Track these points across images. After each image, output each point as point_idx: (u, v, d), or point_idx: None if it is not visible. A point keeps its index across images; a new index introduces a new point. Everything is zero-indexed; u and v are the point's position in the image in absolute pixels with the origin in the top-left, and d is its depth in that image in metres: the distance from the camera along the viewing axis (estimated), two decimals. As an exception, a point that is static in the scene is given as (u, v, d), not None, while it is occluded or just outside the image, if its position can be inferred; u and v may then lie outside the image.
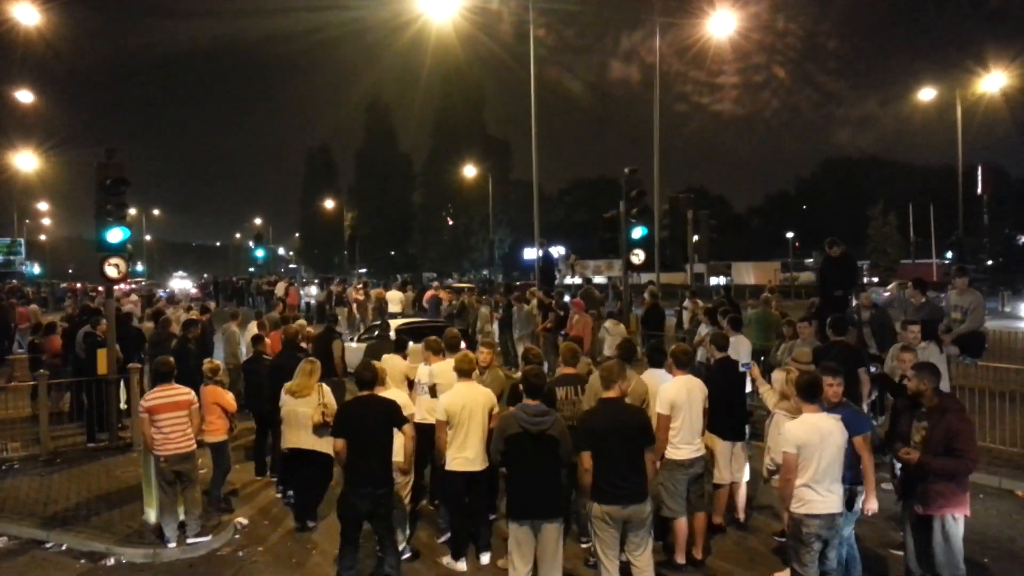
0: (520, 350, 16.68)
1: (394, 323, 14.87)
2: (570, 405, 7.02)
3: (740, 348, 9.31)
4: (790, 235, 67.11)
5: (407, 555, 7.14)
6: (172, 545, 7.47)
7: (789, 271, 53.34)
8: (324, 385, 7.94)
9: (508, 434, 5.87)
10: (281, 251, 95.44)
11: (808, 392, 5.67)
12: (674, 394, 6.62)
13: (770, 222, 78.59)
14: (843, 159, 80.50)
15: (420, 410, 7.74)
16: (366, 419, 6.33)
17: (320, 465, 7.83)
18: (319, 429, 7.59)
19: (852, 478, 5.80)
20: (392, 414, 6.45)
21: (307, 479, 8.04)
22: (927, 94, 35.25)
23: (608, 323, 14.99)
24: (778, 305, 14.52)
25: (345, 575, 6.31)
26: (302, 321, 11.07)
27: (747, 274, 54.47)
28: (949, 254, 46.39)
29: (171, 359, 7.88)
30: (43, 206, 71.34)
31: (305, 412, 7.73)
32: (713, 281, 48.87)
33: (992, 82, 32.84)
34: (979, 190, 33.29)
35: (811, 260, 51.18)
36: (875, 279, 50.98)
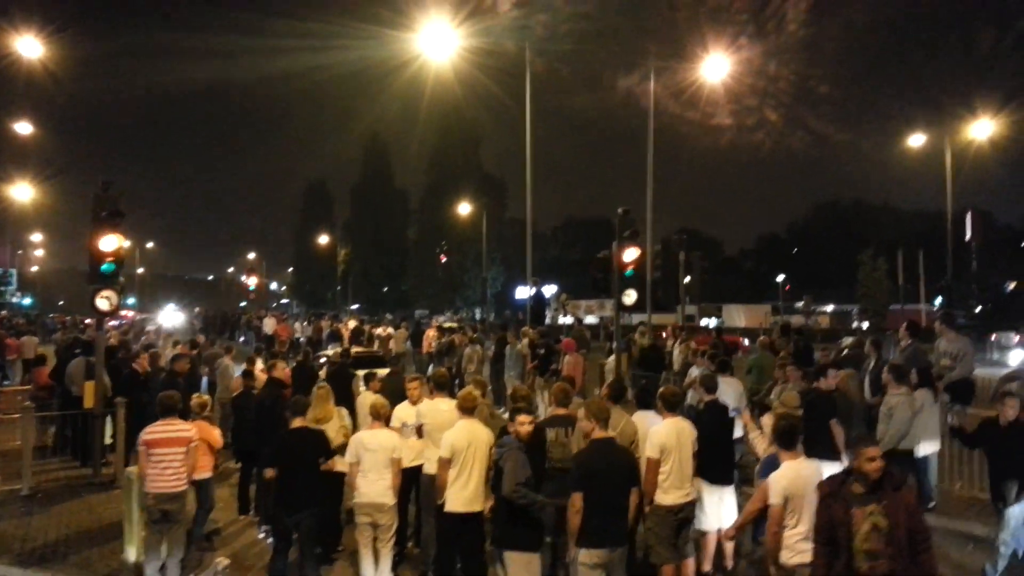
0: (510, 390, 16.61)
1: (331, 352, 15.45)
2: (560, 447, 6.96)
3: (729, 391, 9.29)
4: (781, 278, 67.48)
5: None
6: (152, 585, 7.33)
7: (779, 314, 53.48)
8: (342, 409, 8.40)
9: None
10: (274, 286, 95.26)
11: (785, 439, 5.64)
12: (664, 437, 6.59)
13: (761, 264, 79.08)
14: (834, 203, 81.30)
15: (404, 452, 7.59)
16: (298, 449, 7.15)
17: (336, 485, 8.04)
18: (341, 450, 7.78)
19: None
20: (320, 445, 7.29)
21: (325, 502, 7.99)
22: (917, 140, 35.78)
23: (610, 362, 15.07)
24: (777, 343, 14.40)
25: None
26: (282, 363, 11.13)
27: (738, 316, 54.62)
28: (938, 300, 46.62)
29: (175, 393, 7.85)
30: (36, 237, 71.26)
31: (331, 437, 7.85)
32: (704, 322, 48.94)
33: (980, 129, 33.35)
34: (968, 236, 33.60)
35: (800, 304, 51.33)
36: (865, 324, 51.13)
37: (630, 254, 13.93)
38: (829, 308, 59.77)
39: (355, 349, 18.88)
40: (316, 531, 7.28)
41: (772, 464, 5.84)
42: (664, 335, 17.51)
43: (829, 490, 4.88)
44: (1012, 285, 46.13)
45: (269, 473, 7.23)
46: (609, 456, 5.83)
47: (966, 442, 8.57)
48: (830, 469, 5.58)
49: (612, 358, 15.28)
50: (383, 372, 18.45)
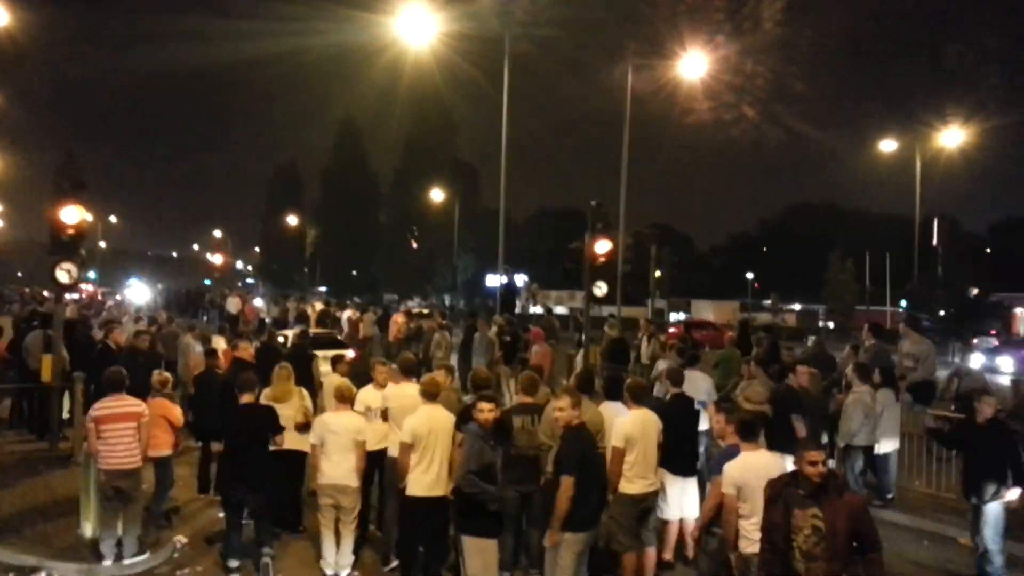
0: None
1: (291, 333, 15.45)
2: (526, 435, 6.96)
3: (698, 385, 9.36)
4: (750, 276, 68.23)
5: None
6: (108, 563, 7.21)
7: (748, 310, 54.09)
8: (303, 389, 8.31)
9: None
10: (240, 265, 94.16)
11: (745, 431, 5.72)
12: (630, 428, 6.62)
13: (732, 262, 79.82)
14: (805, 204, 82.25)
15: (369, 436, 7.49)
16: (247, 425, 7.22)
17: (299, 464, 8.05)
18: (301, 429, 7.83)
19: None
20: (270, 422, 7.30)
21: (287, 480, 8.06)
22: (888, 145, 36.31)
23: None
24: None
25: (228, 553, 7.17)
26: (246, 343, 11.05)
27: (706, 312, 55.02)
28: (903, 303, 47.47)
29: (122, 369, 7.70)
30: (-5, 207, 69.63)
31: (288, 415, 7.88)
32: (673, 317, 49.32)
33: (950, 138, 33.93)
34: (934, 242, 34.24)
35: (768, 301, 51.93)
36: (831, 324, 51.93)
37: (602, 246, 13.96)
38: (796, 307, 60.59)
39: (313, 330, 18.85)
40: (269, 508, 7.33)
41: (729, 455, 5.92)
42: (640, 330, 17.61)
43: (773, 492, 4.92)
44: (975, 291, 47.10)
45: (216, 447, 7.40)
46: (590, 442, 5.94)
47: (944, 442, 8.76)
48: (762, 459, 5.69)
49: (582, 350, 15.36)
50: (342, 353, 18.47)
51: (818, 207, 79.53)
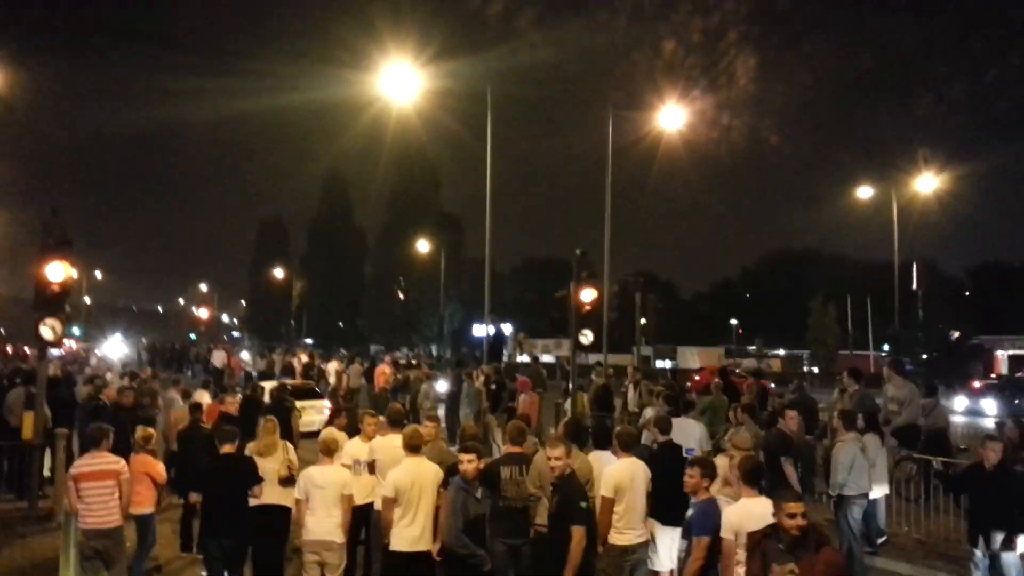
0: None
1: (268, 385, 15.53)
2: (514, 485, 6.90)
3: (690, 432, 9.38)
4: (734, 321, 68.55)
5: None
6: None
7: (732, 357, 54.20)
8: (287, 442, 8.15)
9: None
10: (225, 318, 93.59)
11: (749, 477, 5.72)
12: (619, 477, 6.59)
13: (716, 308, 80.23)
14: (784, 250, 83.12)
15: (357, 489, 7.38)
16: (226, 475, 7.19)
17: (283, 520, 7.82)
18: (286, 483, 7.67)
19: None
20: (249, 473, 7.27)
21: (269, 536, 7.83)
22: (865, 192, 36.99)
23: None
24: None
25: None
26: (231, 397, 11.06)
27: (692, 358, 55.08)
28: (886, 347, 47.83)
29: (103, 425, 7.58)
30: (-22, 263, 69.05)
31: (271, 468, 7.72)
32: (659, 364, 49.35)
33: (925, 183, 34.62)
34: (914, 285, 34.68)
35: (753, 347, 52.08)
36: (815, 369, 52.12)
37: (587, 294, 14.06)
38: (781, 352, 60.82)
39: (291, 382, 18.81)
40: (245, 560, 7.34)
41: (705, 512, 5.85)
42: (627, 378, 17.71)
43: (753, 542, 4.88)
44: (956, 334, 47.56)
45: (194, 498, 7.34)
46: (581, 492, 6.03)
47: (950, 487, 8.73)
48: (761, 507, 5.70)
49: (570, 398, 15.37)
50: (318, 404, 18.46)
51: (798, 253, 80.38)
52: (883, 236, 36.33)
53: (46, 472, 11.26)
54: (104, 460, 7.19)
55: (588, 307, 15.00)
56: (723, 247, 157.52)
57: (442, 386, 19.98)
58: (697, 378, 29.14)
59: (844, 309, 54.81)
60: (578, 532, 5.77)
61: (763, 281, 79.13)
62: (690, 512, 5.73)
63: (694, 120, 27.04)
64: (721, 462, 7.22)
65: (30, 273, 11.13)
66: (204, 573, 8.45)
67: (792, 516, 4.62)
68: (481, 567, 6.04)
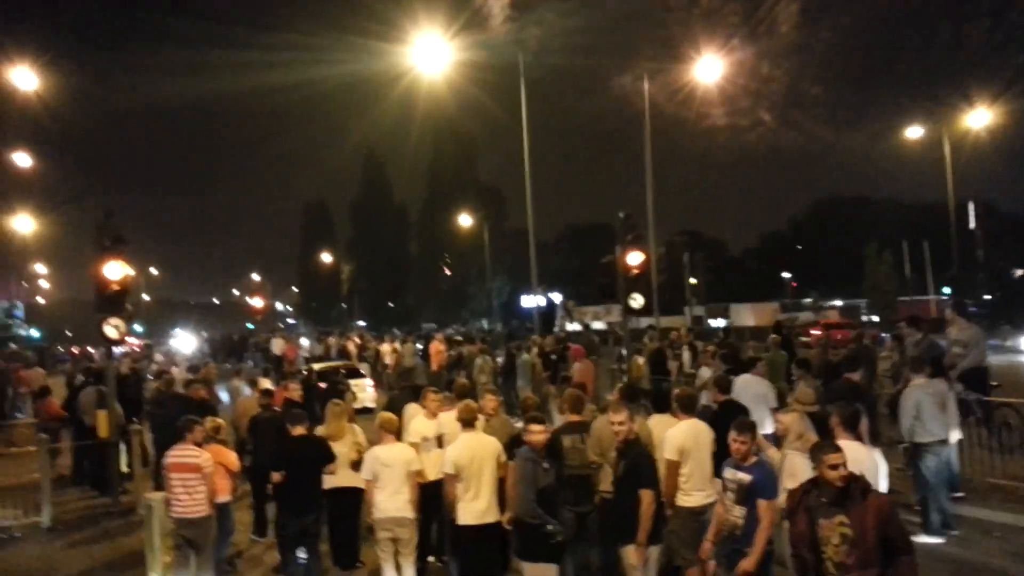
0: (521, 399, 16.65)
1: (316, 366, 15.89)
2: (578, 454, 6.95)
3: (752, 390, 9.32)
4: (787, 275, 67.35)
5: None
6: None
7: (788, 311, 53.36)
8: (355, 425, 8.30)
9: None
10: (279, 306, 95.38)
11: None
12: (682, 439, 6.56)
13: (766, 263, 78.86)
14: (835, 198, 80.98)
15: (427, 465, 7.54)
16: (300, 455, 7.47)
17: (356, 501, 8.01)
18: (355, 466, 7.83)
19: (748, 542, 5.48)
20: (321, 452, 7.56)
21: (343, 517, 8.18)
22: (915, 132, 35.78)
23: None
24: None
25: None
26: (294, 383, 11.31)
27: (746, 316, 54.23)
28: (946, 290, 46.54)
29: (192, 418, 7.87)
30: (40, 268, 71.51)
31: (342, 452, 7.92)
32: (712, 323, 48.80)
33: (977, 118, 33.36)
34: (972, 225, 33.58)
35: (809, 300, 51.16)
36: (875, 318, 51.00)
37: (634, 258, 13.95)
38: (838, 303, 59.62)
39: (332, 364, 19.31)
40: (320, 536, 7.72)
41: (769, 474, 5.69)
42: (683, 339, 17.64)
43: (794, 501, 4.75)
44: (1020, 272, 45.95)
45: (276, 477, 7.53)
46: (647, 455, 6.06)
47: None
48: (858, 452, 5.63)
49: (639, 359, 15.51)
50: (362, 383, 18.98)
51: (849, 200, 78.33)
52: (936, 177, 35.09)
53: (124, 468, 11.67)
54: (189, 452, 7.45)
55: (636, 271, 14.88)
56: (770, 199, 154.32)
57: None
58: (817, 333, 28.76)
59: (900, 255, 53.40)
60: (647, 495, 5.80)
61: (814, 231, 77.39)
62: (744, 475, 5.55)
63: (733, 71, 26.41)
64: (788, 418, 7.09)
65: (88, 274, 11.42)
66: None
67: (834, 467, 4.53)
68: (555, 536, 6.10)
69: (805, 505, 4.62)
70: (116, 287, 11.09)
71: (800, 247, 77.53)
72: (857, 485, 4.54)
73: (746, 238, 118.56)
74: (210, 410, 11.57)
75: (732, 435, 5.66)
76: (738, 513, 5.49)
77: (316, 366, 17.17)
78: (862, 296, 56.48)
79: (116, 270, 11.08)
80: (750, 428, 5.75)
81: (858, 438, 5.84)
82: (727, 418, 7.39)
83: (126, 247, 11.33)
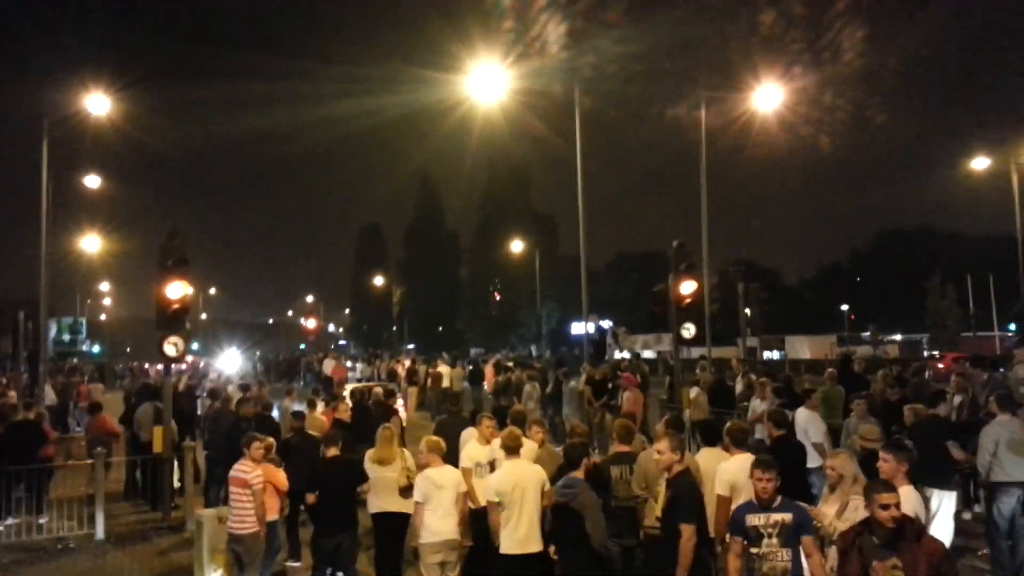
0: (568, 427, 16.51)
1: (350, 386, 15.92)
2: (625, 484, 6.83)
3: (812, 425, 9.12)
4: (844, 307, 65.76)
5: None
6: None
7: (845, 344, 52.07)
8: (405, 450, 8.35)
9: (552, 504, 6.14)
10: (332, 327, 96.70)
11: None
12: (734, 474, 6.39)
13: (823, 295, 77.25)
14: (897, 230, 79.21)
15: (479, 491, 7.46)
16: (334, 477, 7.66)
17: (402, 526, 8.03)
18: (404, 492, 7.84)
19: None
20: (354, 473, 7.77)
21: (389, 541, 8.16)
22: (981, 163, 34.77)
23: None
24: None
25: None
26: (344, 404, 11.42)
27: (802, 348, 53.15)
28: (1012, 327, 44.89)
29: (254, 434, 8.05)
30: (103, 286, 73.98)
31: (391, 477, 7.94)
32: (766, 355, 47.83)
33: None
34: (1040, 259, 32.31)
35: (867, 334, 49.79)
36: (935, 353, 49.43)
37: (687, 287, 13.79)
38: (897, 337, 57.96)
39: (349, 386, 19.40)
40: (355, 556, 7.89)
41: (807, 513, 5.46)
42: (733, 370, 17.26)
43: (846, 543, 4.62)
44: (1090, 307, 44.03)
45: (310, 498, 7.71)
46: (696, 489, 5.86)
47: None
48: (940, 495, 5.43)
49: (694, 391, 15.18)
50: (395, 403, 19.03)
51: (912, 232, 76.54)
52: (1003, 209, 33.97)
53: (176, 483, 11.87)
54: (243, 468, 7.61)
55: (688, 300, 14.68)
56: (828, 231, 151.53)
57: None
58: (941, 366, 28.10)
59: (964, 289, 51.78)
60: (687, 530, 5.61)
61: (875, 263, 75.64)
62: (785, 515, 5.25)
63: (792, 99, 25.99)
64: (837, 461, 6.60)
65: (148, 293, 11.72)
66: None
67: (886, 507, 4.41)
68: (614, 568, 6.06)
69: (859, 546, 4.49)
70: (177, 306, 11.35)
71: (860, 279, 75.82)
72: (911, 527, 4.44)
73: (802, 269, 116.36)
74: (262, 428, 11.76)
75: (757, 474, 5.32)
76: (786, 557, 5.18)
77: (348, 386, 17.51)
78: (924, 331, 54.83)
79: (178, 289, 11.35)
80: (774, 466, 5.42)
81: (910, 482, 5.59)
82: (782, 453, 7.22)
83: (188, 267, 11.59)
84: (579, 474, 6.16)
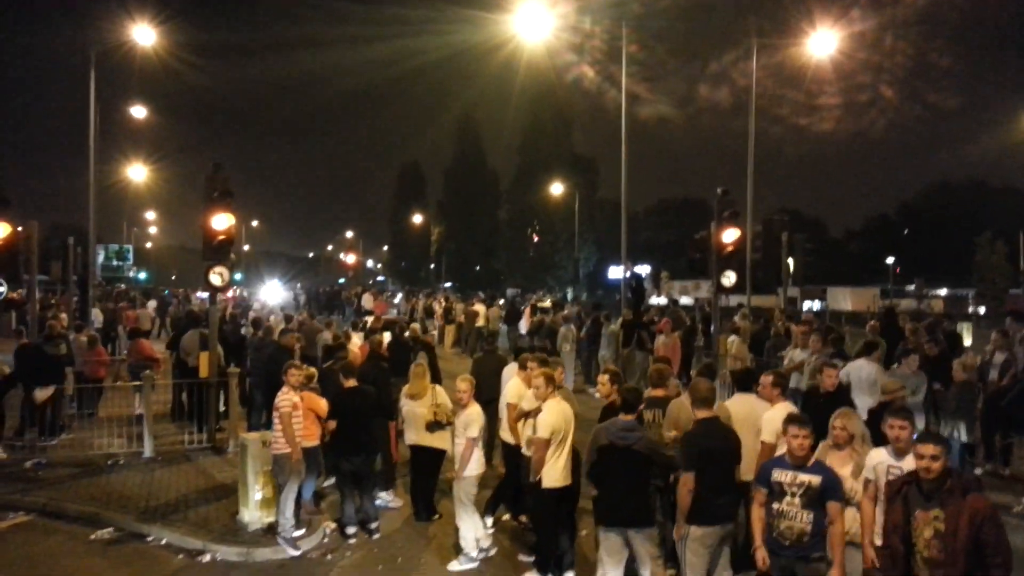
0: (603, 368, 16.61)
1: (371, 319, 16.76)
2: (656, 428, 6.90)
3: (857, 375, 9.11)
4: (890, 260, 64.41)
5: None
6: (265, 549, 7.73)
7: (889, 297, 51.14)
8: (437, 386, 8.68)
9: (598, 445, 6.14)
10: (370, 263, 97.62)
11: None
12: (779, 423, 6.41)
13: (869, 247, 75.68)
14: (948, 183, 76.93)
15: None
16: (351, 405, 8.14)
17: (433, 459, 8.59)
18: (431, 427, 8.33)
19: (816, 549, 5.11)
20: (370, 403, 8.28)
21: (421, 474, 8.71)
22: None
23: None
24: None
25: (345, 522, 8.14)
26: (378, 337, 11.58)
27: (843, 300, 52.26)
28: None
29: (295, 363, 8.50)
30: (150, 215, 75.37)
31: (420, 412, 8.39)
32: (806, 306, 47.23)
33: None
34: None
35: (912, 287, 48.85)
36: (981, 309, 48.37)
37: (729, 235, 13.61)
38: (943, 292, 56.72)
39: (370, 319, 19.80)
40: (370, 478, 8.43)
41: (835, 475, 5.29)
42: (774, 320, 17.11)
43: (892, 491, 4.63)
44: None
45: (330, 425, 8.23)
46: (718, 436, 5.81)
47: None
48: None
49: (731, 339, 15.21)
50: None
51: (963, 186, 74.26)
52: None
53: (221, 407, 12.26)
54: (281, 396, 7.97)
55: (730, 247, 14.50)
56: (877, 182, 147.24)
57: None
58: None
59: (1015, 245, 50.27)
60: (684, 477, 5.71)
61: (924, 217, 73.73)
62: (813, 477, 5.15)
63: (849, 45, 25.07)
64: (847, 420, 5.99)
65: (193, 223, 11.91)
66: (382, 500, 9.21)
67: (934, 458, 4.37)
68: (654, 506, 6.36)
69: (904, 495, 4.50)
70: (222, 237, 11.52)
71: (907, 232, 74.07)
72: (956, 481, 4.40)
73: (849, 220, 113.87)
74: (304, 358, 12.02)
75: (792, 431, 5.22)
76: (806, 519, 5.10)
77: (368, 319, 17.92)
78: (970, 286, 53.58)
79: (223, 221, 11.49)
80: (809, 423, 5.32)
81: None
82: (833, 405, 7.09)
83: (232, 199, 11.71)
84: (630, 418, 6.19)
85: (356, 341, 13.07)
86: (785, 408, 6.55)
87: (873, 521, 5.25)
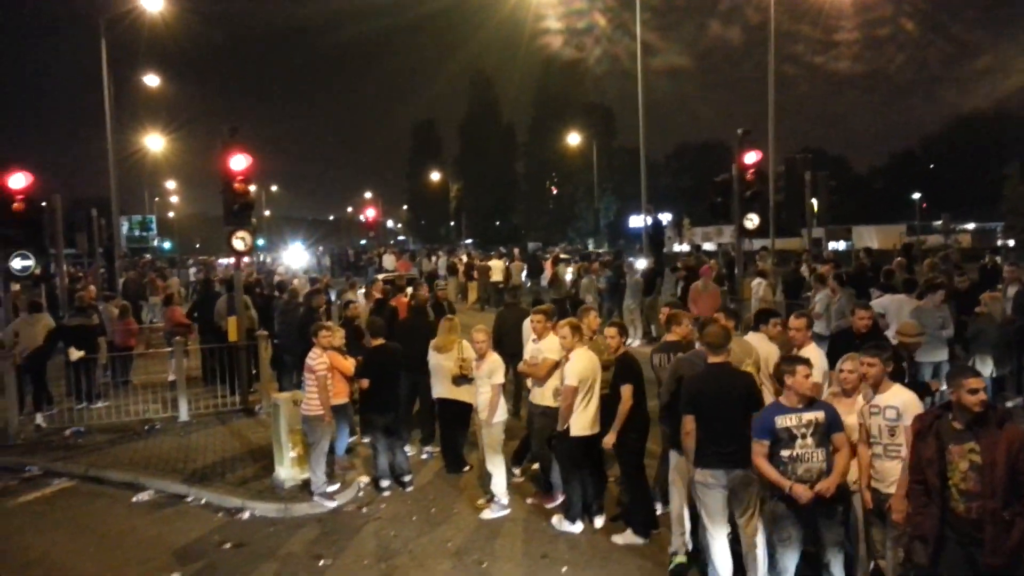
0: (627, 317, 16.62)
1: (381, 276, 16.23)
2: (663, 372, 6.89)
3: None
4: (916, 196, 63.27)
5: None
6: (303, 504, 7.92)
7: (916, 234, 50.39)
8: (464, 341, 8.61)
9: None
10: (390, 223, 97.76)
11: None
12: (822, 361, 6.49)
13: (894, 183, 74.25)
14: (974, 116, 74.66)
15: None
16: (379, 363, 8.32)
17: (461, 413, 8.71)
18: (457, 380, 8.43)
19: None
20: (396, 360, 8.49)
21: (449, 426, 8.92)
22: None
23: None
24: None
25: (379, 475, 8.34)
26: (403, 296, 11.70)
27: (870, 238, 51.37)
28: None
29: (323, 323, 8.71)
30: (170, 185, 75.75)
31: (447, 366, 8.53)
32: (832, 246, 46.67)
33: None
34: None
35: (939, 223, 48.02)
36: (1011, 242, 47.53)
37: (750, 157, 13.61)
38: (970, 226, 55.70)
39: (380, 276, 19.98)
40: (401, 431, 8.64)
41: (834, 410, 5.23)
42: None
43: (922, 426, 4.56)
44: None
45: (363, 383, 8.34)
46: (721, 380, 5.67)
47: None
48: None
49: (756, 282, 15.19)
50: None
51: (988, 118, 72.19)
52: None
53: (253, 370, 12.43)
54: (312, 355, 8.10)
55: (752, 177, 14.34)
56: (901, 117, 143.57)
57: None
58: None
59: (1045, 176, 49.10)
60: (684, 419, 5.68)
61: (949, 150, 72.04)
62: (818, 414, 5.10)
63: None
64: (856, 363, 5.74)
65: (214, 190, 11.88)
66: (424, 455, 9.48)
67: (973, 391, 4.31)
68: None
69: (936, 429, 4.46)
70: (243, 202, 11.56)
71: (932, 167, 72.57)
72: (996, 413, 4.37)
73: (873, 157, 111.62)
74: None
75: (793, 368, 5.15)
76: (821, 457, 5.05)
77: (380, 276, 18.17)
78: (1000, 219, 52.55)
79: (240, 161, 11.37)
80: (805, 360, 5.28)
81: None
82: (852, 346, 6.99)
83: (239, 131, 11.55)
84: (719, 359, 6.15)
85: (350, 296, 13.34)
86: (811, 349, 6.52)
87: (869, 465, 5.24)
